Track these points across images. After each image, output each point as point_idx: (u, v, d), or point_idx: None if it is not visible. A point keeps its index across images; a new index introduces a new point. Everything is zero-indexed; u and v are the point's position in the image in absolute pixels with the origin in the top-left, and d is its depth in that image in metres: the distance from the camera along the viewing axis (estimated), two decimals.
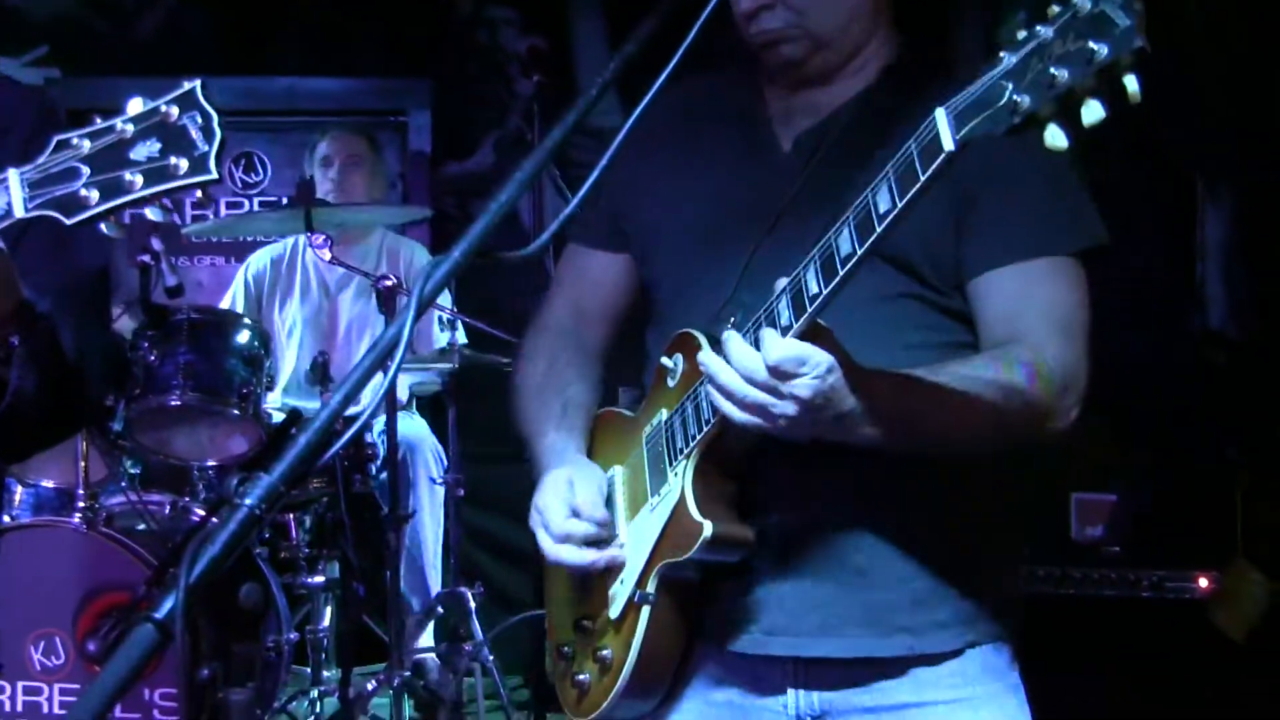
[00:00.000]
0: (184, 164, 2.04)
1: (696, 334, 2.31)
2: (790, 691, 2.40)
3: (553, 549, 2.40)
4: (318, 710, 5.58)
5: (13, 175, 2.09)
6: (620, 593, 2.39)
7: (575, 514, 2.40)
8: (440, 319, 6.01)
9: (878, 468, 2.27)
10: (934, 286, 2.36)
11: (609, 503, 2.46)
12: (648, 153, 2.27)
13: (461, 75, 7.67)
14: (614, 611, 2.40)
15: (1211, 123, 5.99)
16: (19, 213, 2.09)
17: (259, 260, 6.65)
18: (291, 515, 5.58)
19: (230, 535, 1.69)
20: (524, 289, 5.63)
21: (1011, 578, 2.49)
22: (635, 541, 2.38)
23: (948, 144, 1.86)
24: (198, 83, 2.07)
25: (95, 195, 2.07)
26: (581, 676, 2.46)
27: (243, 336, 5.38)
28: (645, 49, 2.12)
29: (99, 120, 2.09)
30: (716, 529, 2.23)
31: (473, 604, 5.82)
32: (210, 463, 5.44)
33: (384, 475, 5.72)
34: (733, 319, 2.25)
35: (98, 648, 4.66)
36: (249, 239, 7.21)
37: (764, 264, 2.31)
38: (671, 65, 2.10)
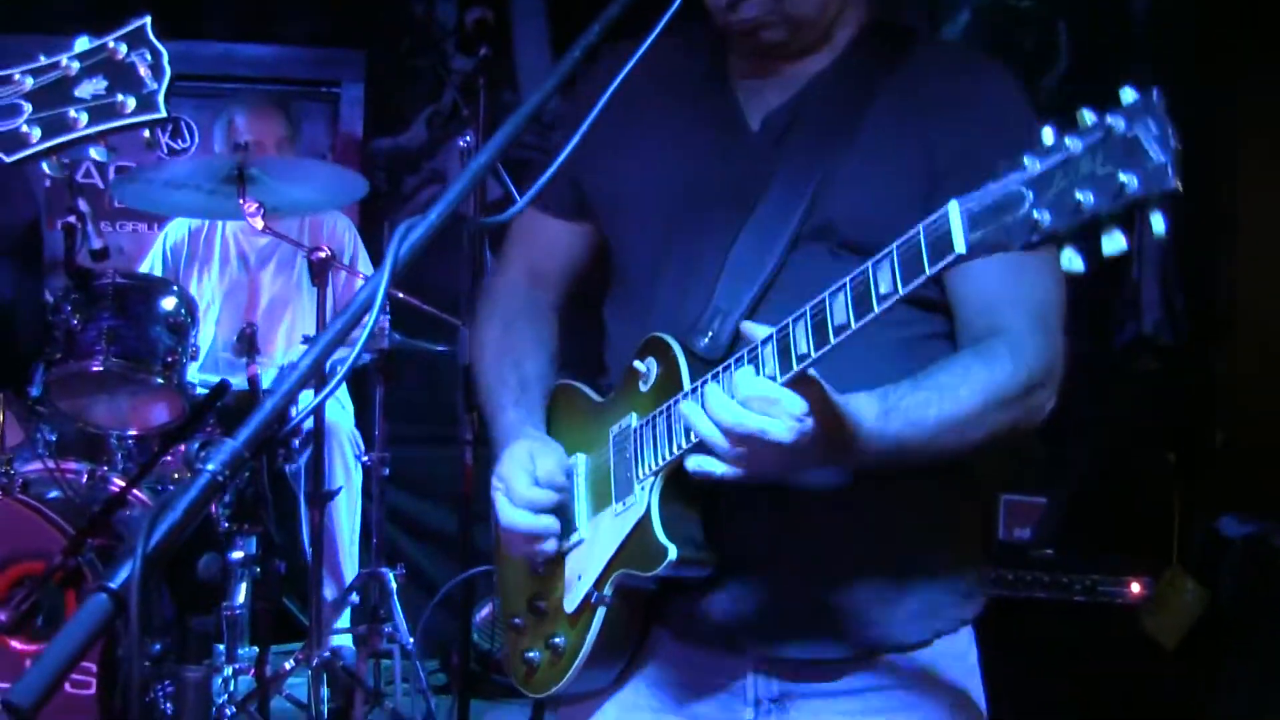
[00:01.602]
0: (131, 102, 1.99)
1: (673, 345, 2.27)
2: (750, 677, 2.37)
3: (511, 514, 2.36)
4: (231, 689, 5.47)
5: None
6: (578, 588, 2.35)
7: (536, 484, 2.37)
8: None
9: (844, 472, 2.25)
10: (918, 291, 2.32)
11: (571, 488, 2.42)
12: (609, 124, 2.20)
13: (396, 48, 7.55)
14: (569, 605, 2.37)
15: None
16: None
17: (176, 231, 6.49)
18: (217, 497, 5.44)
19: (191, 502, 1.60)
20: (454, 266, 5.62)
21: (975, 563, 2.46)
22: (595, 540, 2.35)
23: (959, 246, 1.80)
24: (146, 19, 2.02)
25: (37, 133, 2.01)
26: (532, 654, 2.44)
27: (169, 303, 5.24)
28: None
29: (42, 57, 2.02)
30: (682, 554, 2.20)
31: (394, 585, 5.74)
32: (130, 432, 5.30)
33: (304, 455, 5.62)
34: (711, 331, 2.25)
35: (9, 618, 4.53)
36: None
37: (741, 259, 2.29)
38: (639, 52, 2.07)
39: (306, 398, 5.34)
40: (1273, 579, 4.62)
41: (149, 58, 1.99)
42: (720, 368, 2.12)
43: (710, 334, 2.25)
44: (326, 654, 5.30)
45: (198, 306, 5.54)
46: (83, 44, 2.01)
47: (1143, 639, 4.54)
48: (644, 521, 2.23)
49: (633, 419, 2.31)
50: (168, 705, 4.85)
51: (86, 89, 2.00)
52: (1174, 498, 4.91)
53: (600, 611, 2.31)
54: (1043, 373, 2.23)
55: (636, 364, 2.33)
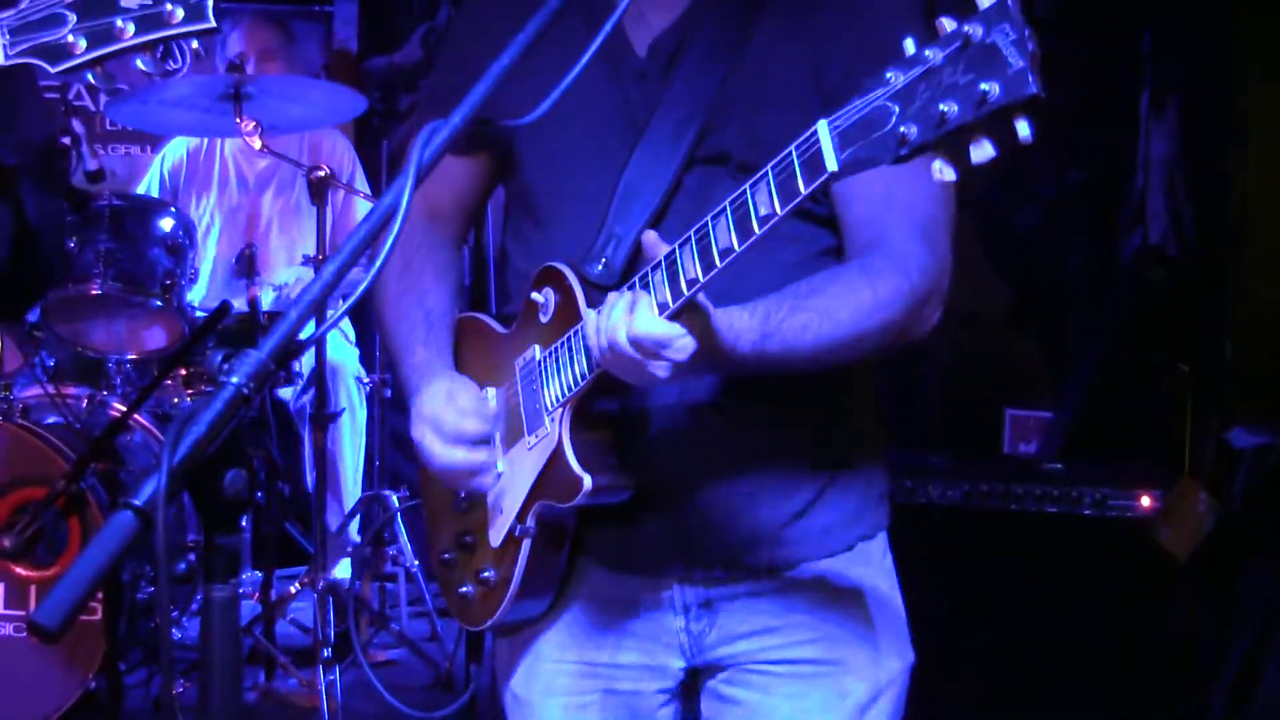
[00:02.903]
0: (179, 12, 1.94)
1: (566, 272, 2.26)
2: (675, 589, 2.40)
3: (444, 452, 2.34)
4: None
5: None
6: (500, 523, 2.36)
7: (463, 419, 2.35)
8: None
9: (749, 389, 2.29)
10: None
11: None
12: (494, 48, 2.15)
13: None
14: (494, 539, 2.37)
15: (1159, 36, 5.92)
16: None
17: (174, 151, 6.42)
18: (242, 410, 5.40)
19: (216, 416, 1.54)
20: None
21: (883, 470, 2.50)
22: (513, 473, 2.34)
23: (830, 164, 1.79)
24: None
25: (83, 43, 1.96)
26: (465, 589, 2.45)
27: (166, 225, 5.19)
28: None
29: None
30: (597, 482, 2.21)
31: (397, 508, 5.72)
32: (129, 356, 5.26)
33: (306, 393, 5.59)
34: (604, 258, 2.26)
35: (12, 544, 4.51)
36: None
37: (633, 184, 2.30)
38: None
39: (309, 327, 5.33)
40: None
41: None
42: (619, 289, 2.11)
43: (604, 261, 2.26)
44: (331, 577, 5.28)
45: (195, 228, 5.49)
46: None
47: (1155, 552, 4.51)
48: (557, 453, 2.23)
49: (536, 351, 2.30)
50: (175, 631, 4.85)
51: None
52: (1186, 409, 4.87)
53: (525, 544, 2.32)
54: (926, 286, 2.23)
55: (534, 295, 2.32)
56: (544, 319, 2.29)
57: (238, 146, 6.32)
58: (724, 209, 1.95)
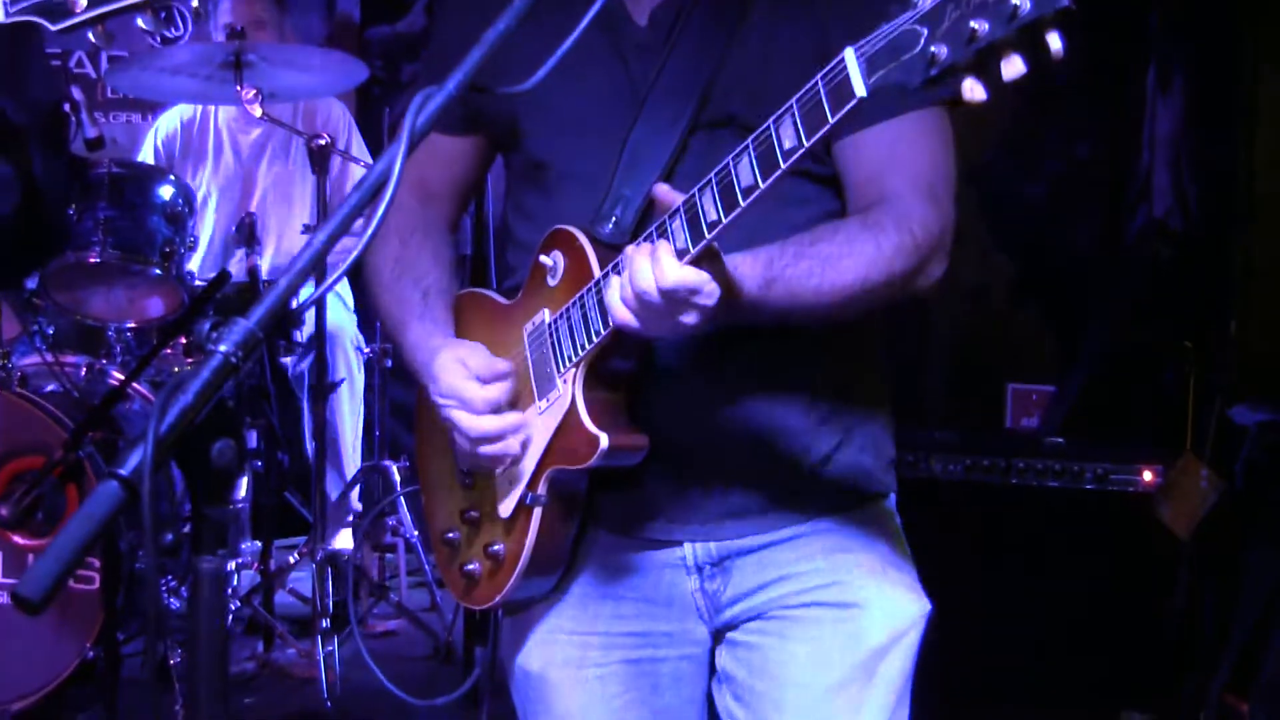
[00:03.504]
0: None
1: (578, 235, 2.25)
2: (688, 546, 2.39)
3: (477, 423, 2.30)
4: (235, 583, 5.45)
5: None
6: (510, 493, 2.33)
7: (484, 384, 2.33)
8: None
9: (757, 356, 2.30)
10: (810, 156, 2.27)
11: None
12: (490, 18, 2.13)
13: None
14: (504, 510, 2.35)
15: (1166, 12, 5.89)
16: None
17: (169, 122, 6.38)
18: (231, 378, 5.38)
19: (204, 384, 1.52)
20: None
21: (890, 431, 2.50)
22: (526, 446, 2.32)
23: (859, 90, 1.79)
24: None
25: (83, 0, 1.95)
26: (471, 567, 2.41)
27: (166, 193, 5.16)
28: None
29: None
30: (613, 441, 2.19)
31: (397, 478, 5.71)
32: (128, 324, 5.23)
33: (306, 356, 5.57)
34: (614, 217, 2.25)
35: (10, 513, 4.50)
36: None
37: (638, 150, 2.29)
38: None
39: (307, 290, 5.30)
40: None
41: None
42: (636, 242, 2.11)
43: (614, 220, 2.25)
44: (330, 547, 5.28)
45: (195, 196, 5.46)
46: None
47: (1157, 527, 4.49)
48: (570, 414, 2.21)
49: (545, 315, 2.28)
50: (172, 600, 4.84)
51: None
52: (1189, 385, 4.84)
53: (536, 513, 2.29)
54: (929, 240, 2.23)
55: (542, 258, 2.30)
56: (552, 282, 2.28)
57: (231, 116, 6.29)
58: (746, 147, 1.95)
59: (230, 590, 5.38)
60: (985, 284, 5.97)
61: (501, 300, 2.44)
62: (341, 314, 6.24)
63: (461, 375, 2.32)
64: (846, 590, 2.37)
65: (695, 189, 2.01)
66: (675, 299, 2.01)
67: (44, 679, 4.57)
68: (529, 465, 2.29)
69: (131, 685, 4.61)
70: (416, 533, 5.70)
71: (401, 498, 5.70)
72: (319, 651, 4.99)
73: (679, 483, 2.34)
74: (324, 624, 5.06)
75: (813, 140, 1.87)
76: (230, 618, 5.28)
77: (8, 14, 1.97)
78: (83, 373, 5.03)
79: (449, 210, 2.64)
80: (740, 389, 2.32)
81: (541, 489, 2.28)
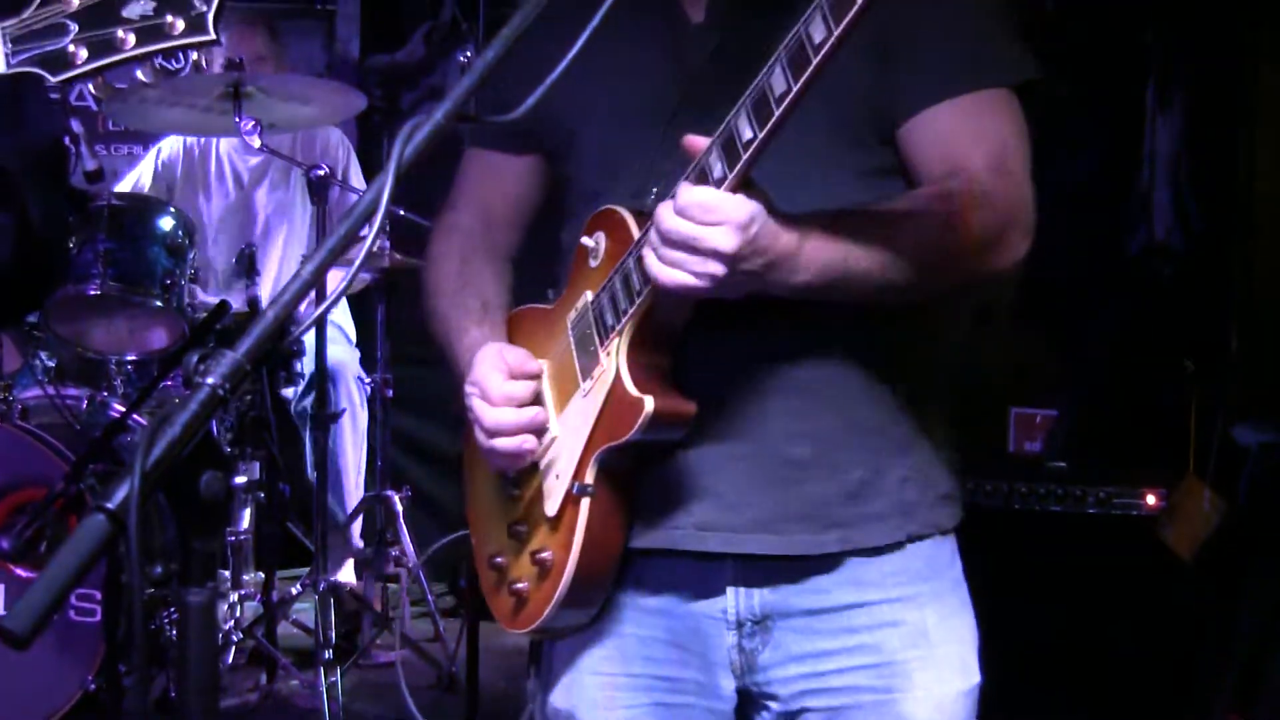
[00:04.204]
0: (180, 23, 1.94)
1: (618, 209, 2.21)
2: (730, 591, 2.31)
3: (493, 414, 2.28)
4: (238, 614, 5.45)
5: None
6: (556, 488, 2.27)
7: (510, 379, 2.30)
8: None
9: (814, 355, 2.23)
10: (869, 143, 2.27)
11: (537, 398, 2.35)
12: (550, 46, 2.14)
13: None
14: (550, 508, 2.28)
15: (1164, 29, 5.89)
16: (0, 68, 1.98)
17: (170, 146, 6.39)
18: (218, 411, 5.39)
19: (191, 417, 1.52)
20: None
21: (949, 466, 2.39)
22: (569, 431, 2.27)
23: None
24: None
25: (84, 53, 1.96)
26: (519, 585, 2.35)
27: (166, 224, 5.18)
28: None
29: None
30: (658, 404, 2.13)
31: (399, 508, 5.71)
32: (130, 356, 5.24)
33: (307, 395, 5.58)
34: (655, 190, 2.17)
35: (11, 545, 4.50)
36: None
37: (681, 130, 2.18)
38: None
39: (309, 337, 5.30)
40: None
41: None
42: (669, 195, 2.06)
43: (655, 191, 2.17)
44: (333, 577, 5.27)
45: (195, 228, 5.47)
46: None
47: (1159, 551, 4.49)
48: (615, 385, 2.17)
49: (587, 296, 2.25)
50: (174, 631, 4.83)
51: (134, 9, 1.96)
52: (1190, 406, 4.83)
53: (584, 505, 2.22)
54: (1002, 215, 2.16)
55: (584, 240, 2.27)
56: (594, 264, 2.25)
57: (232, 144, 6.30)
58: (777, 55, 1.90)
59: (233, 622, 5.38)
60: (986, 306, 5.96)
61: (546, 307, 2.42)
62: (344, 349, 6.24)
63: (491, 367, 2.30)
64: (890, 673, 2.29)
65: (730, 115, 1.96)
66: (690, 218, 1.96)
67: (46, 710, 4.57)
68: (575, 454, 2.24)
69: (133, 717, 4.60)
70: (419, 563, 5.69)
71: (404, 527, 5.70)
72: (321, 682, 4.98)
73: (714, 488, 2.26)
74: (327, 655, 5.05)
75: (841, 28, 1.81)
76: (233, 649, 5.29)
77: (9, 65, 1.98)
78: (84, 405, 5.03)
79: (510, 236, 2.61)
80: (782, 395, 2.24)
81: (589, 477, 2.22)
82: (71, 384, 5.18)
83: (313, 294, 1.68)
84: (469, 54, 5.37)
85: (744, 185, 1.98)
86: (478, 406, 2.30)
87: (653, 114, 2.29)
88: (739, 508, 2.26)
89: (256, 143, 5.06)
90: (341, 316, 6.43)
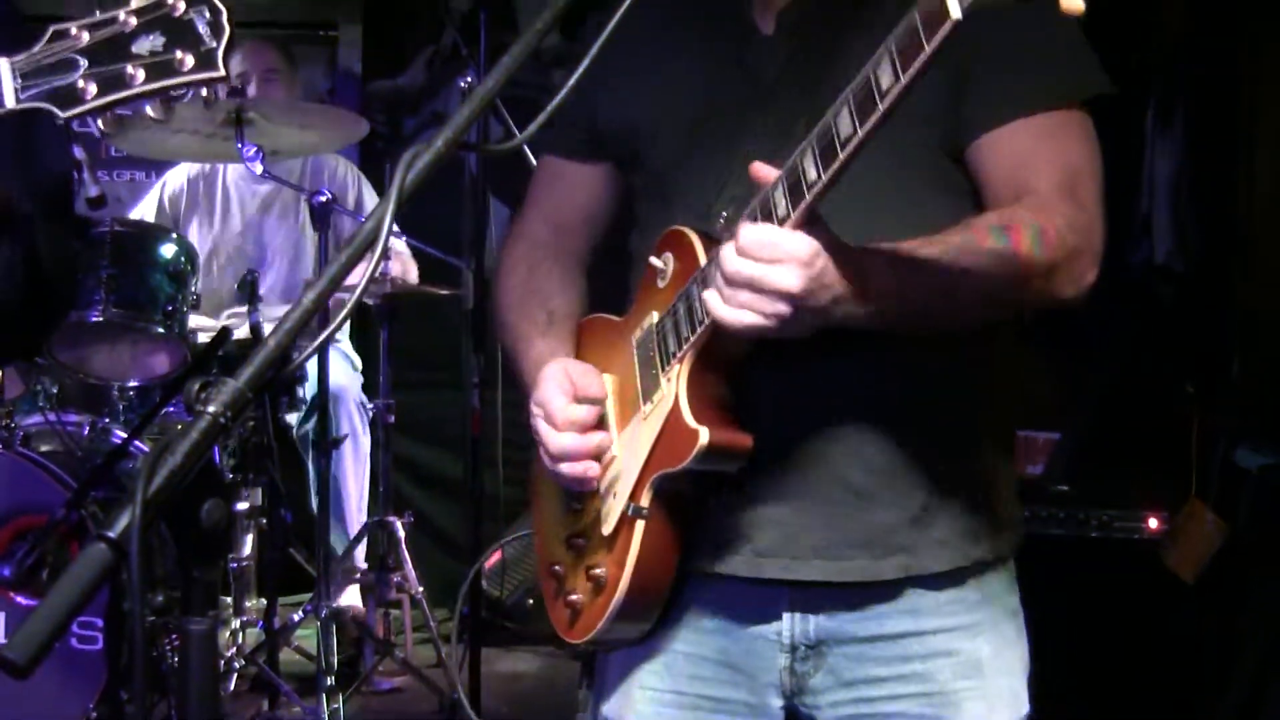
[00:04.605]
0: (190, 59, 1.95)
1: (687, 231, 2.20)
2: (786, 617, 2.30)
3: (556, 438, 2.29)
4: (240, 641, 5.44)
5: (3, 65, 1.99)
6: (613, 507, 2.28)
7: (574, 402, 2.30)
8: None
9: (876, 380, 2.21)
10: (940, 163, 2.26)
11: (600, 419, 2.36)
12: (620, 56, 2.14)
13: None
14: (607, 528, 2.29)
15: (1164, 53, 5.90)
16: (10, 103, 2.00)
17: (175, 179, 6.41)
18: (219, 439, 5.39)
19: (192, 445, 1.52)
20: (457, 208, 5.55)
21: (1009, 491, 2.38)
22: (629, 453, 2.27)
23: (955, 12, 1.72)
24: None
25: (93, 89, 1.97)
26: (575, 596, 2.36)
27: (168, 251, 5.18)
28: None
29: (98, 12, 1.99)
30: (713, 437, 2.12)
31: (401, 533, 5.71)
32: (131, 382, 5.24)
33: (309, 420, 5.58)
34: (724, 214, 2.16)
35: (12, 572, 4.49)
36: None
37: (753, 153, 2.16)
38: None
39: (311, 362, 5.30)
40: None
41: (208, 15, 1.96)
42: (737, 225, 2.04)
43: (725, 215, 2.17)
44: (335, 604, 5.26)
45: (198, 254, 5.47)
46: None
47: (1161, 574, 4.48)
48: (673, 412, 2.16)
49: (653, 317, 2.26)
50: (175, 658, 4.82)
51: (144, 45, 1.97)
52: (1192, 429, 4.83)
53: (639, 527, 2.22)
54: (1072, 240, 2.12)
55: (653, 260, 2.27)
56: (661, 284, 2.25)
57: (239, 173, 6.31)
58: (845, 97, 1.89)
59: (235, 649, 5.37)
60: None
61: (615, 319, 2.42)
62: (346, 373, 6.24)
63: (556, 388, 2.31)
64: (941, 703, 2.28)
65: (796, 153, 1.95)
66: (751, 256, 1.95)
67: None
68: (632, 476, 2.25)
69: None
70: (421, 588, 5.68)
71: (406, 553, 5.69)
72: (324, 709, 4.97)
73: (774, 514, 2.25)
74: (329, 681, 5.04)
75: (910, 73, 1.79)
76: (235, 676, 5.28)
77: (18, 100, 1.99)
78: (86, 431, 5.02)
79: (579, 243, 2.61)
80: (846, 420, 2.23)
81: (645, 499, 2.22)
82: (73, 410, 5.16)
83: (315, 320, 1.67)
84: (469, 80, 5.36)
85: (811, 222, 1.97)
86: (542, 429, 2.31)
87: (721, 125, 2.29)
88: (797, 535, 2.25)
89: (259, 169, 5.07)
90: (344, 342, 6.44)
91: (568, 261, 2.58)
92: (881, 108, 1.83)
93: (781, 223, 1.96)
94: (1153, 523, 4.57)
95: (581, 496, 2.37)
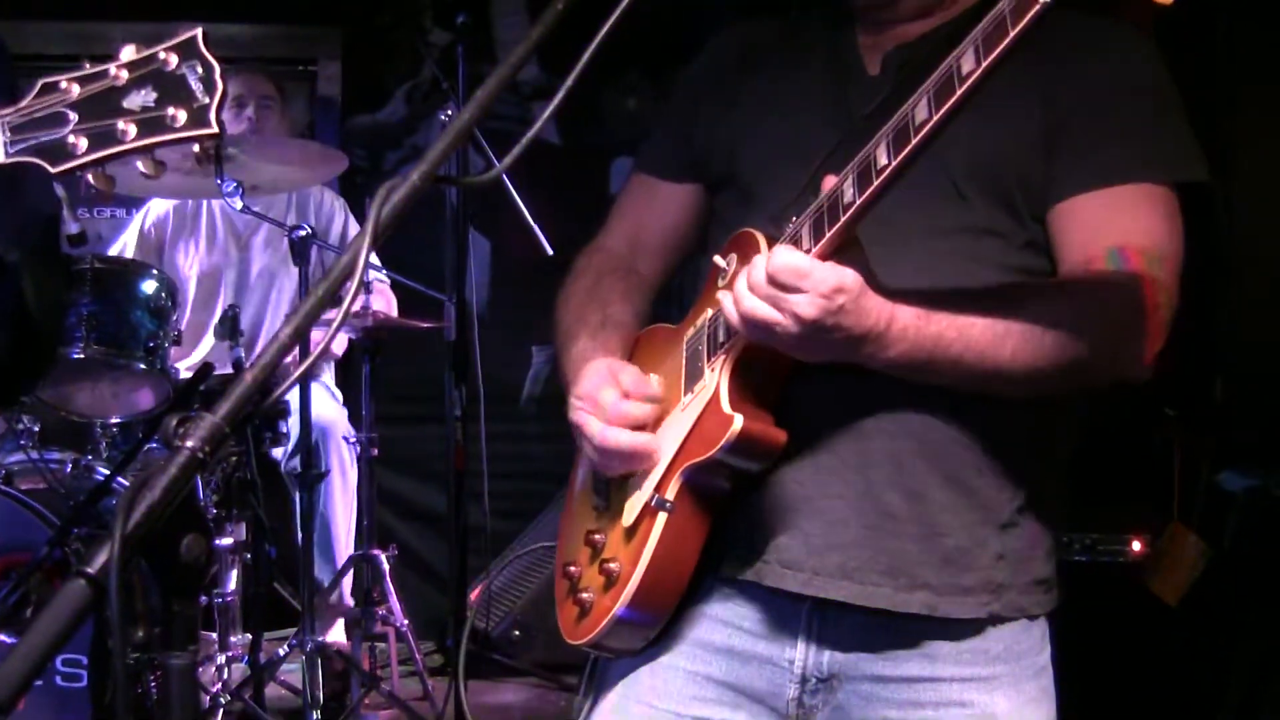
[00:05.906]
0: (182, 115, 1.93)
1: (755, 232, 2.21)
2: (801, 645, 2.28)
3: (604, 434, 2.27)
4: (225, 676, 5.41)
5: None
6: (638, 498, 2.26)
7: (626, 397, 2.29)
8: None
9: (928, 412, 2.18)
10: (1019, 216, 2.23)
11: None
12: (722, 84, 2.22)
13: (372, 24, 7.46)
14: (628, 519, 2.28)
15: None
16: None
17: (158, 207, 6.42)
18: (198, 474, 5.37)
19: (171, 481, 1.52)
20: (439, 241, 5.55)
21: (1050, 551, 2.33)
22: (661, 445, 2.26)
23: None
24: (199, 31, 1.95)
25: (84, 143, 1.96)
26: (585, 594, 2.34)
27: (149, 287, 5.16)
28: None
29: (88, 65, 1.96)
30: (747, 424, 2.11)
31: (386, 567, 5.69)
32: (114, 419, 5.23)
33: (296, 452, 5.56)
34: (793, 219, 2.13)
35: None
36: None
37: (829, 165, 2.16)
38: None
39: (294, 396, 5.29)
40: (1276, 531, 4.57)
41: (200, 70, 1.94)
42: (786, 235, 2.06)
43: (793, 220, 2.14)
44: (320, 638, 5.24)
45: (178, 289, 5.47)
46: (130, 52, 1.96)
47: (1147, 597, 4.48)
48: (712, 399, 2.16)
49: (708, 314, 2.26)
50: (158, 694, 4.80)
51: (135, 100, 1.95)
52: (1174, 453, 4.83)
53: (660, 519, 2.20)
54: (1141, 316, 2.11)
55: (717, 259, 2.28)
56: (722, 283, 2.24)
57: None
58: (884, 132, 1.91)
59: (220, 684, 5.35)
60: None
61: (672, 326, 2.43)
62: (332, 408, 6.24)
63: (605, 383, 2.29)
64: None
65: (838, 179, 1.98)
66: (778, 284, 1.95)
67: None
68: (661, 466, 2.23)
69: None
70: (406, 622, 5.67)
71: (390, 586, 5.68)
72: None
73: (803, 526, 2.22)
74: (314, 716, 5.02)
75: (990, 59, 1.79)
76: (220, 712, 5.25)
77: (7, 154, 1.98)
78: (68, 469, 5.01)
79: (653, 264, 2.63)
80: (882, 435, 2.20)
81: (671, 492, 2.20)
82: (55, 448, 5.15)
83: (296, 353, 1.67)
84: (449, 113, 5.37)
85: (846, 246, 1.98)
86: (586, 421, 2.29)
87: (809, 154, 2.28)
88: (825, 551, 2.22)
89: (239, 204, 5.06)
90: (328, 375, 6.43)
91: (635, 280, 2.59)
92: (914, 141, 1.86)
93: (816, 243, 1.98)
94: (1136, 545, 4.56)
95: (608, 494, 2.36)
